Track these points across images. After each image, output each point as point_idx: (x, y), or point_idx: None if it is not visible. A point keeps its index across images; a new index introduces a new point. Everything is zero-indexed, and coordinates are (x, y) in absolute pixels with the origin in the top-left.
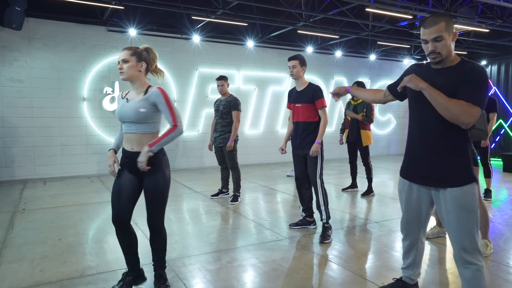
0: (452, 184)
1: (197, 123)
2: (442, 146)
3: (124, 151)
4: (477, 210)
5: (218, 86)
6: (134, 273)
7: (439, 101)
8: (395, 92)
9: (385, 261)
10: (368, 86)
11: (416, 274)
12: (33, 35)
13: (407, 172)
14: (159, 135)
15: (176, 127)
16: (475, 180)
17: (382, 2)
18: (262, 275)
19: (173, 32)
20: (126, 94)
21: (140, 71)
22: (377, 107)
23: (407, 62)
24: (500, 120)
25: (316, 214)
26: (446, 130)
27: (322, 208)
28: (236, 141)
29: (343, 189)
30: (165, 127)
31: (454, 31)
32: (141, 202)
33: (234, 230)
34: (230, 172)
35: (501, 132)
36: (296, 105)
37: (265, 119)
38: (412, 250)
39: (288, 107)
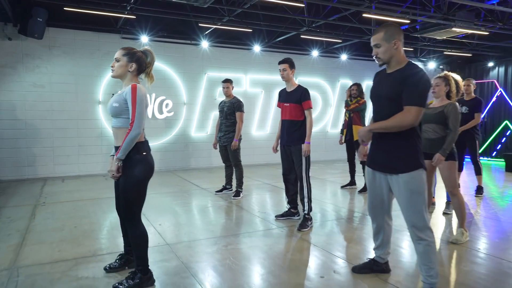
0: (402, 170)
1: (205, 125)
2: (394, 139)
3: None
4: (423, 193)
5: (223, 88)
6: (127, 256)
7: (383, 127)
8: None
9: (366, 246)
10: None
11: (386, 253)
12: (53, 44)
13: (370, 162)
14: (143, 132)
15: (131, 129)
16: (421, 166)
17: (381, 8)
18: (253, 255)
19: (183, 38)
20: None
21: (130, 71)
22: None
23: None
24: (506, 122)
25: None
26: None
27: (305, 201)
28: (239, 140)
29: (342, 186)
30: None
31: (395, 40)
32: (150, 194)
33: (232, 221)
34: (234, 170)
35: (507, 134)
36: (285, 104)
37: (271, 121)
38: (380, 232)
39: (278, 105)
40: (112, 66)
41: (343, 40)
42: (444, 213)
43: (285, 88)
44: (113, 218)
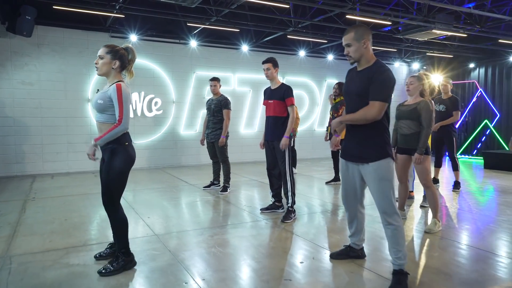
0: (372, 159)
1: (194, 123)
2: (364, 132)
3: None
4: (392, 180)
5: (211, 86)
6: (123, 257)
7: (350, 119)
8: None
9: (345, 235)
10: None
11: (361, 239)
12: (41, 42)
13: (343, 153)
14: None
15: (120, 124)
16: (389, 156)
17: (365, 10)
18: (237, 244)
19: (172, 37)
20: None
21: (113, 68)
22: None
23: (398, 65)
24: (486, 121)
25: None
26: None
27: (289, 194)
28: (226, 137)
29: (327, 182)
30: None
31: (365, 39)
32: (139, 189)
33: (219, 214)
34: (221, 166)
35: (487, 133)
36: (269, 101)
37: (259, 119)
38: (353, 220)
39: (264, 103)
40: (96, 63)
41: (328, 41)
42: (421, 206)
43: (269, 87)
44: (102, 211)
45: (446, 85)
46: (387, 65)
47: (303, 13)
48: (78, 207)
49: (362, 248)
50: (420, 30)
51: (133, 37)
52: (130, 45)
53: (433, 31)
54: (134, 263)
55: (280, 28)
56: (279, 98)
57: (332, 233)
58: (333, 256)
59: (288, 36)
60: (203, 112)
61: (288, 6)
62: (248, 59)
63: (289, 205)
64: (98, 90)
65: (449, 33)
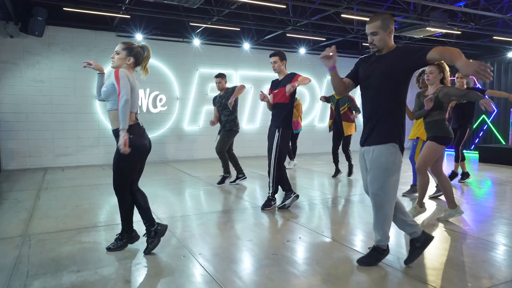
0: (376, 142)
1: (197, 118)
2: (380, 116)
3: None
4: (391, 169)
5: (216, 83)
6: (126, 234)
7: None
8: (354, 79)
9: (331, 220)
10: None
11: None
12: (52, 41)
13: (360, 140)
14: (133, 115)
15: (119, 96)
16: (395, 141)
17: (361, 10)
18: (234, 227)
19: (176, 36)
20: None
21: (127, 63)
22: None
23: None
24: (483, 116)
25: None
26: (382, 103)
27: (271, 184)
28: (232, 131)
29: (333, 176)
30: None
31: (390, 29)
32: (144, 181)
33: (219, 201)
34: (227, 156)
35: (484, 128)
36: (275, 91)
37: (261, 115)
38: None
39: (269, 93)
40: (112, 58)
41: (327, 39)
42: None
43: (277, 78)
44: (110, 199)
45: (462, 78)
46: None
47: (303, 12)
48: (88, 195)
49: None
50: (415, 28)
51: (139, 36)
52: (146, 44)
53: (428, 28)
54: (164, 227)
55: (280, 27)
56: (285, 85)
57: (323, 218)
58: (360, 262)
59: (287, 35)
60: (206, 108)
61: (284, 6)
62: (250, 56)
63: (270, 193)
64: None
65: (444, 31)
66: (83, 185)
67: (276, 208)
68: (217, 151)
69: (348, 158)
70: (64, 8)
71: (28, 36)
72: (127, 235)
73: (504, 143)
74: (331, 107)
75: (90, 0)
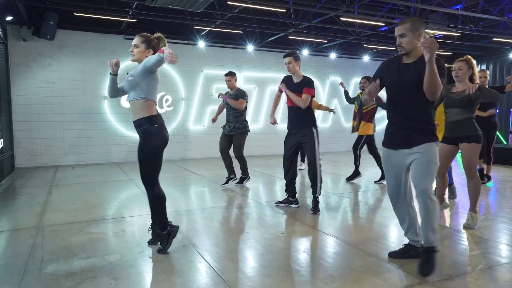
0: (421, 142)
1: (202, 119)
2: (415, 116)
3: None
4: (437, 163)
5: (226, 81)
6: (154, 232)
7: (433, 73)
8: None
9: (330, 216)
10: None
11: (417, 235)
12: (63, 44)
13: (388, 143)
14: (153, 106)
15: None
16: (437, 139)
17: (362, 13)
18: (233, 220)
19: (181, 39)
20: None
21: (147, 56)
22: None
23: None
24: None
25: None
26: (416, 108)
27: (318, 185)
28: (246, 133)
29: (347, 179)
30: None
31: (420, 32)
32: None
33: (222, 198)
34: (238, 162)
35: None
36: (292, 93)
37: (264, 116)
38: (405, 216)
39: (280, 90)
40: (131, 51)
41: (328, 40)
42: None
43: (291, 76)
44: (118, 195)
45: (485, 77)
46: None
47: (305, 15)
48: (96, 191)
49: (422, 246)
50: None
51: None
52: (160, 34)
53: (427, 30)
54: (176, 228)
55: (282, 29)
56: (301, 91)
57: (321, 215)
58: (392, 255)
59: (289, 37)
60: (211, 109)
61: (284, 10)
62: (253, 58)
63: (317, 195)
64: (127, 73)
65: (443, 33)
66: (92, 182)
67: (312, 214)
68: (236, 155)
69: (356, 160)
70: (74, 13)
71: (40, 39)
72: (164, 232)
73: (505, 143)
74: (354, 108)
75: (99, 5)
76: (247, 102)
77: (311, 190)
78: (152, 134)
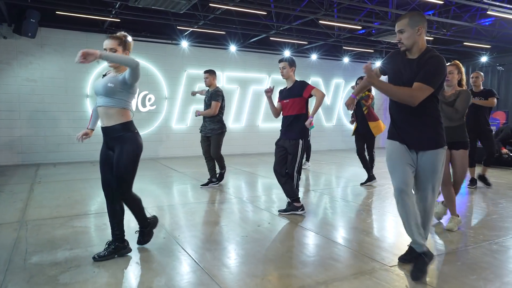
0: (433, 147)
1: (185, 118)
2: (423, 120)
3: (101, 127)
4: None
5: (204, 78)
6: (116, 243)
7: (384, 90)
8: (383, 73)
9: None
10: (342, 86)
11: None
12: (45, 42)
13: (401, 138)
14: (129, 114)
15: (135, 62)
16: (446, 145)
17: (341, 17)
18: (213, 214)
19: (164, 38)
20: (107, 73)
21: None
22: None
23: (379, 64)
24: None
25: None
26: (418, 105)
27: (288, 189)
28: (222, 133)
29: (361, 184)
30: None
31: (419, 26)
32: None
33: (204, 194)
34: (215, 162)
35: None
36: (284, 101)
37: (246, 115)
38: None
39: (279, 101)
40: None
41: (309, 42)
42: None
43: (285, 87)
44: (100, 192)
45: (477, 78)
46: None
47: (286, 18)
48: (79, 188)
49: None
50: (391, 34)
51: (129, 38)
52: (124, 32)
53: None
54: (155, 218)
55: (264, 31)
56: (295, 95)
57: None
58: (401, 260)
59: (270, 38)
60: (193, 108)
61: (265, 13)
62: (236, 58)
63: (293, 198)
64: (103, 75)
65: None
66: (75, 179)
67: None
68: (214, 157)
69: (372, 161)
70: (56, 12)
71: (21, 37)
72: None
73: None
74: (353, 112)
75: (82, 4)
76: (223, 102)
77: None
78: (134, 139)
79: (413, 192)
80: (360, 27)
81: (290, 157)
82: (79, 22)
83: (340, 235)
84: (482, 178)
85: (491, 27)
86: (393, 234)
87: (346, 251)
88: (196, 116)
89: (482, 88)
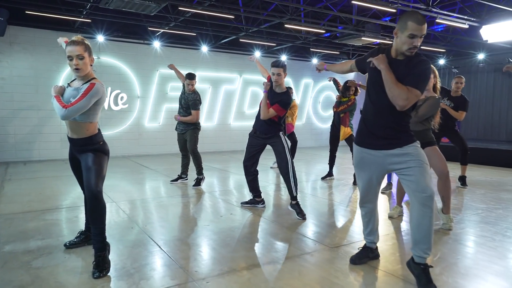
0: (409, 142)
1: (158, 116)
2: (394, 119)
3: (67, 136)
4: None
5: (187, 84)
6: (87, 233)
7: (389, 81)
8: (360, 66)
9: (274, 210)
10: (311, 86)
11: (377, 238)
12: (14, 40)
13: (364, 143)
14: (95, 126)
15: (68, 107)
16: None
17: (311, 22)
18: (180, 207)
19: (136, 38)
20: (72, 81)
21: (91, 65)
22: (319, 103)
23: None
24: None
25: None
26: (395, 112)
27: (293, 187)
28: (198, 129)
29: (322, 178)
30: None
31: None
32: None
33: (174, 190)
34: (191, 158)
35: None
36: (268, 100)
37: (218, 114)
38: (371, 218)
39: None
40: (77, 65)
41: (277, 44)
42: (383, 192)
43: (274, 90)
44: (71, 188)
45: (462, 83)
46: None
47: (255, 20)
48: (51, 185)
49: (377, 248)
50: (353, 37)
51: (100, 38)
52: (80, 35)
53: (363, 38)
54: (109, 246)
55: (234, 33)
56: (273, 103)
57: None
58: (355, 261)
59: (240, 40)
60: (166, 107)
61: (233, 17)
62: (208, 58)
63: (295, 196)
64: (68, 84)
65: (377, 40)
66: (46, 176)
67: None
68: (190, 150)
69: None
70: (26, 12)
71: None
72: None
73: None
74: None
75: (52, 4)
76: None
77: (289, 195)
78: (98, 151)
79: (377, 195)
80: (324, 31)
81: (279, 147)
82: (49, 21)
83: (293, 223)
84: (462, 178)
85: (444, 33)
86: (341, 222)
87: (294, 235)
88: (176, 120)
89: (461, 94)
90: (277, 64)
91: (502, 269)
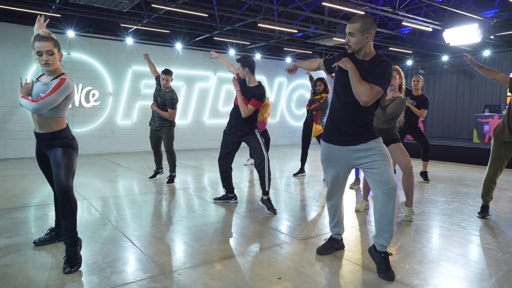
0: (373, 138)
1: (131, 114)
2: (359, 116)
3: (34, 132)
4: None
5: (163, 79)
6: (58, 229)
7: (354, 79)
8: (327, 66)
9: (246, 204)
10: (285, 85)
11: (342, 229)
12: None
13: (331, 139)
14: (64, 121)
15: (37, 101)
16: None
17: (285, 22)
18: (152, 203)
19: (108, 34)
20: (40, 76)
21: (60, 60)
22: (292, 102)
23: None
24: None
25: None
26: (360, 110)
27: (266, 184)
28: (172, 126)
29: (294, 174)
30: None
31: (369, 34)
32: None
33: (146, 186)
34: (165, 155)
35: None
36: (243, 96)
37: (192, 111)
38: (337, 210)
39: (237, 77)
40: (47, 61)
41: (251, 43)
42: (351, 188)
43: (245, 80)
44: (39, 186)
45: (418, 82)
46: None
47: (229, 19)
48: (18, 183)
49: (342, 239)
50: (325, 37)
51: (71, 33)
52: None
53: (335, 38)
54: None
55: (208, 31)
56: (249, 99)
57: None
58: (321, 252)
59: (214, 38)
60: (139, 104)
61: (207, 15)
62: (182, 56)
63: (267, 191)
64: (37, 79)
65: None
66: (13, 175)
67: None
68: (166, 148)
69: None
70: None
71: None
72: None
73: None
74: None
75: None
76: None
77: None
78: (68, 145)
79: (343, 189)
80: (297, 31)
81: (255, 144)
82: (17, 14)
83: (265, 217)
84: (423, 174)
85: (411, 35)
86: (311, 216)
87: (265, 229)
88: (152, 109)
89: (421, 92)
90: (237, 60)
91: (456, 256)
